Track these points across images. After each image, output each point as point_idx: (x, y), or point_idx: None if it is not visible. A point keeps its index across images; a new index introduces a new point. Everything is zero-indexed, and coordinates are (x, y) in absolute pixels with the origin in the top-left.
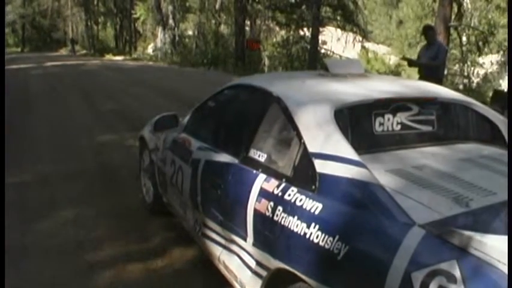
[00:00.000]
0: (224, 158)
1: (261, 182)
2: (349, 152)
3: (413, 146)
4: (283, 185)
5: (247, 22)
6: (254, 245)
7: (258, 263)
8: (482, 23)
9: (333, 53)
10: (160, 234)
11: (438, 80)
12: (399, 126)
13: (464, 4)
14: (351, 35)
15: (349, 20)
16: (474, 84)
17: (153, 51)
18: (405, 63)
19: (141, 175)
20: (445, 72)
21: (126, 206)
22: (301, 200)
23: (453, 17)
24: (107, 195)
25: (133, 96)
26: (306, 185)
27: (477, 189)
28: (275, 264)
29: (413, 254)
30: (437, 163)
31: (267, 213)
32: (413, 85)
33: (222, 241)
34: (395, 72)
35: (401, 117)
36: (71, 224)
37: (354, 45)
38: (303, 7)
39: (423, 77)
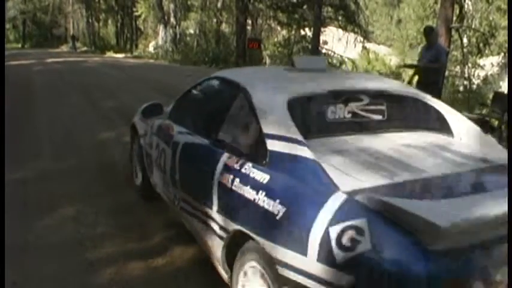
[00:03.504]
0: (198, 140)
1: (225, 159)
2: (295, 134)
3: (363, 132)
4: (241, 161)
5: (249, 21)
6: (218, 211)
7: (221, 227)
8: (483, 24)
9: (334, 53)
10: (161, 232)
11: (436, 82)
12: (350, 115)
13: (466, 5)
14: (352, 35)
15: (351, 20)
16: (474, 86)
17: (154, 49)
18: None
19: (133, 160)
20: (446, 73)
21: (126, 203)
22: (253, 173)
23: (454, 18)
24: (106, 192)
25: (134, 94)
26: (258, 160)
27: (408, 168)
28: (233, 226)
29: (333, 213)
30: (380, 146)
31: (228, 184)
32: (367, 79)
33: (195, 212)
34: (396, 73)
35: (353, 107)
36: (71, 221)
37: (355, 45)
38: (305, 7)
39: (423, 79)
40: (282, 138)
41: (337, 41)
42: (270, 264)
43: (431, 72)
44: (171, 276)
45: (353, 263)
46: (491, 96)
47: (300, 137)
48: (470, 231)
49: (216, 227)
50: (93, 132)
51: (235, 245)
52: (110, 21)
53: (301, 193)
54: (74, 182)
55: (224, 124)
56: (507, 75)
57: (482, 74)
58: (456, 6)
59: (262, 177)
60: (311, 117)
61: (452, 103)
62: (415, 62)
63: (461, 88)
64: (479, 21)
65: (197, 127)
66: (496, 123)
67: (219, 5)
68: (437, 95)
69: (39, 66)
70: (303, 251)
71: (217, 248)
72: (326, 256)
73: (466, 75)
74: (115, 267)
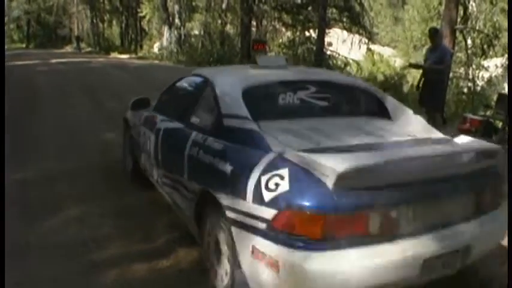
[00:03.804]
0: (175, 125)
1: (194, 137)
2: (244, 113)
3: (309, 116)
4: (205, 136)
5: (254, 22)
6: (188, 178)
7: (191, 191)
8: (487, 26)
9: (339, 54)
10: (166, 233)
11: (441, 82)
12: (299, 101)
13: (470, 7)
14: (356, 37)
15: (355, 22)
16: (479, 88)
17: (158, 50)
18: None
19: (124, 150)
20: (450, 75)
21: (131, 205)
22: (212, 144)
23: (459, 19)
24: (111, 193)
25: (138, 94)
26: (217, 134)
27: (335, 139)
28: (199, 188)
29: (265, 166)
30: (319, 125)
31: (195, 155)
32: (316, 72)
33: (172, 183)
34: (401, 74)
35: (301, 94)
36: (75, 222)
37: (360, 47)
38: (309, 8)
39: (427, 79)
40: (234, 116)
41: (342, 42)
42: (223, 212)
43: (436, 73)
44: (175, 278)
45: (275, 201)
46: (495, 97)
47: (248, 115)
48: (365, 176)
49: (186, 192)
50: (97, 133)
51: (201, 205)
52: (114, 22)
53: (245, 155)
54: (78, 183)
55: (195, 110)
56: (507, 76)
57: (486, 75)
58: (460, 8)
59: (218, 146)
60: (264, 102)
61: (456, 104)
62: (420, 62)
63: (465, 90)
64: (484, 23)
65: (175, 115)
66: (500, 124)
67: (223, 6)
68: (443, 95)
69: (43, 67)
70: (243, 197)
71: (188, 209)
72: (258, 197)
73: (470, 76)
74: (119, 268)
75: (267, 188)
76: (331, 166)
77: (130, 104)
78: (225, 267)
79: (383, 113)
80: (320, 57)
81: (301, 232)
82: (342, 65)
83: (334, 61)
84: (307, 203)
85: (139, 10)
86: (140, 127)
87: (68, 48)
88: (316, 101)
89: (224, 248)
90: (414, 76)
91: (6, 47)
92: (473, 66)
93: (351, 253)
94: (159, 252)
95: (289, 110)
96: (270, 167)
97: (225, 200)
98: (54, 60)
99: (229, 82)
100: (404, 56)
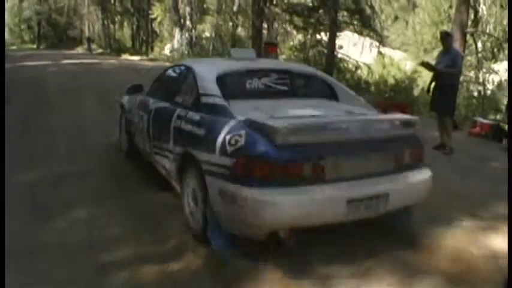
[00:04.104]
0: (163, 104)
1: (178, 112)
2: (216, 92)
3: (271, 97)
4: (186, 111)
5: (265, 25)
6: (173, 144)
7: (175, 154)
8: (497, 29)
9: (349, 57)
10: (176, 236)
11: (453, 86)
12: (263, 86)
13: (480, 10)
14: (367, 40)
15: (366, 25)
16: (489, 92)
17: (170, 51)
18: (422, 68)
19: (121, 131)
20: (461, 79)
21: (141, 207)
22: (192, 116)
23: (469, 23)
24: (120, 194)
25: None
26: (195, 108)
27: (286, 112)
28: (181, 150)
29: (229, 129)
30: (277, 104)
31: (177, 126)
32: (278, 63)
33: (161, 151)
34: (411, 77)
35: (265, 80)
36: (84, 223)
37: (371, 50)
38: (321, 11)
39: (439, 83)
40: (209, 95)
41: (353, 45)
42: (198, 167)
43: (448, 77)
44: (185, 281)
45: (235, 152)
46: (505, 101)
47: (219, 94)
48: (300, 134)
49: (172, 156)
50: (107, 135)
51: (183, 164)
52: (125, 24)
53: (215, 122)
54: (87, 184)
55: (179, 92)
56: (507, 77)
57: (496, 79)
58: (471, 11)
59: (196, 117)
60: (233, 85)
61: (467, 108)
62: (432, 62)
63: (475, 93)
64: (494, 26)
65: (164, 97)
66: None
67: (234, 8)
68: (454, 99)
69: (54, 68)
70: (213, 151)
71: (173, 169)
72: (223, 151)
73: (481, 80)
74: (128, 271)
75: (229, 144)
76: (275, 126)
77: (126, 90)
78: (200, 209)
79: (333, 95)
80: (331, 60)
81: (253, 174)
82: (353, 68)
83: (345, 64)
84: (257, 153)
85: (150, 12)
86: (135, 109)
87: (79, 49)
88: (277, 85)
89: (199, 194)
90: (425, 80)
91: (16, 47)
92: (484, 70)
93: (289, 189)
94: (169, 254)
95: (254, 92)
96: (232, 130)
97: (200, 155)
98: (65, 61)
99: (207, 70)
100: (415, 59)
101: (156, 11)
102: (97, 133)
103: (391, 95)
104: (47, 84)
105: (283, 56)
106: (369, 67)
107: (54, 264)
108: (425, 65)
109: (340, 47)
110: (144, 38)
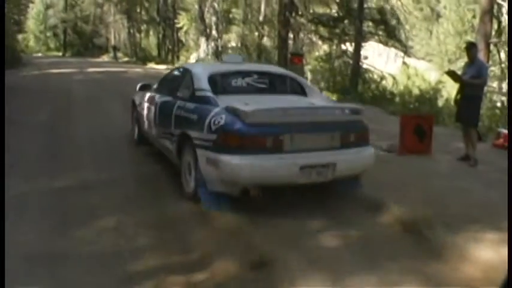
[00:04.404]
0: (167, 98)
1: (178, 103)
2: (207, 87)
3: (252, 93)
4: (184, 102)
5: (290, 35)
6: (174, 128)
7: (175, 136)
8: None
9: (374, 68)
10: (203, 246)
11: (479, 96)
12: (246, 84)
13: (503, 20)
14: (392, 50)
15: (391, 35)
16: None
17: (195, 61)
18: (447, 79)
19: (132, 123)
20: (485, 89)
21: (168, 216)
22: (188, 106)
23: (493, 33)
24: (148, 203)
25: None
26: (191, 100)
27: (260, 104)
28: (178, 131)
29: (214, 113)
30: (255, 97)
31: (177, 114)
32: (260, 66)
33: (165, 135)
34: (436, 88)
35: (247, 79)
36: (111, 232)
37: (395, 60)
38: (346, 21)
39: (464, 94)
40: (202, 90)
41: (378, 56)
42: (192, 143)
43: (473, 88)
44: None
45: (217, 129)
46: None
47: (209, 89)
48: (264, 116)
49: (173, 137)
50: (134, 144)
51: (180, 143)
52: (151, 33)
53: (205, 109)
54: (114, 193)
55: (180, 88)
56: (507, 77)
57: None
58: (494, 21)
59: (191, 106)
60: (222, 83)
61: (490, 119)
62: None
63: (498, 104)
64: None
65: (167, 92)
66: None
67: (260, 18)
68: (478, 110)
69: (79, 76)
70: (202, 130)
71: (174, 148)
72: (209, 129)
73: (504, 90)
74: (155, 280)
75: (213, 124)
76: (245, 110)
77: (137, 88)
78: (192, 175)
79: (302, 92)
80: (356, 70)
81: (229, 145)
82: (378, 79)
83: (370, 75)
84: (232, 130)
85: (176, 21)
86: (144, 103)
87: (105, 58)
88: (257, 84)
89: (192, 164)
90: (449, 91)
91: (41, 54)
92: (507, 80)
93: (255, 156)
94: (195, 264)
95: (238, 88)
96: (216, 114)
97: (193, 134)
98: (91, 69)
99: (201, 71)
100: (439, 69)
101: (182, 20)
102: (124, 140)
103: (416, 106)
104: (73, 92)
105: (309, 67)
106: (393, 78)
107: (81, 273)
108: (452, 74)
109: (365, 58)
110: (170, 47)
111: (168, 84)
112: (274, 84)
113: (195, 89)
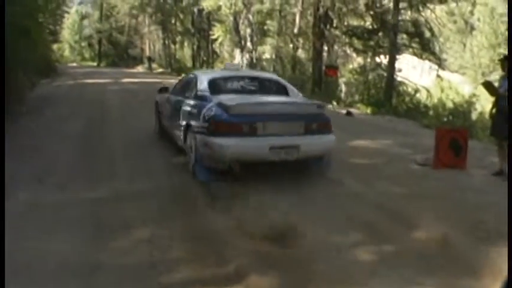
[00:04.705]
0: (178, 98)
1: (186, 101)
2: (206, 89)
3: (244, 93)
4: (190, 100)
5: (325, 47)
6: (181, 121)
7: (182, 126)
8: None
9: (409, 80)
10: (237, 259)
11: None
12: (240, 86)
13: None
14: (426, 63)
15: (426, 48)
16: None
17: None
18: (480, 92)
19: (156, 119)
20: None
21: (202, 229)
22: (192, 102)
23: None
24: (182, 215)
25: None
26: (194, 98)
27: (246, 101)
28: (184, 122)
29: (208, 107)
30: (245, 97)
31: (185, 109)
32: (251, 72)
33: (176, 126)
34: (469, 101)
35: (241, 82)
36: (145, 243)
37: (430, 73)
38: (380, 34)
39: (499, 107)
40: (202, 91)
41: (412, 68)
42: (193, 130)
43: (509, 101)
44: None
45: (209, 118)
46: None
47: (207, 89)
48: (243, 109)
49: (180, 127)
50: (168, 155)
51: (185, 131)
52: (186, 44)
53: (202, 104)
54: (148, 204)
55: (188, 90)
56: (508, 80)
57: None
58: None
59: (194, 102)
60: (220, 86)
61: None
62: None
63: None
64: None
65: (179, 93)
66: None
67: (295, 30)
68: None
69: (114, 86)
70: (199, 120)
71: (181, 135)
72: (203, 119)
73: None
74: None
75: (207, 114)
76: (228, 104)
77: (157, 91)
78: (193, 153)
79: (285, 93)
80: (390, 83)
81: (218, 130)
82: (412, 92)
83: (405, 87)
84: (220, 119)
85: (211, 32)
86: (163, 103)
87: (139, 68)
88: (248, 86)
89: (193, 145)
90: (483, 104)
91: (76, 64)
92: (508, 81)
93: (236, 139)
94: (230, 277)
95: (232, 90)
96: (209, 107)
97: (193, 123)
98: (125, 80)
99: (204, 76)
100: (472, 82)
101: (217, 32)
102: (157, 152)
103: (450, 119)
104: (108, 102)
105: (343, 79)
106: (428, 91)
107: (115, 284)
108: (488, 85)
109: (400, 70)
110: (205, 58)
111: (180, 86)
112: (262, 86)
113: (197, 90)
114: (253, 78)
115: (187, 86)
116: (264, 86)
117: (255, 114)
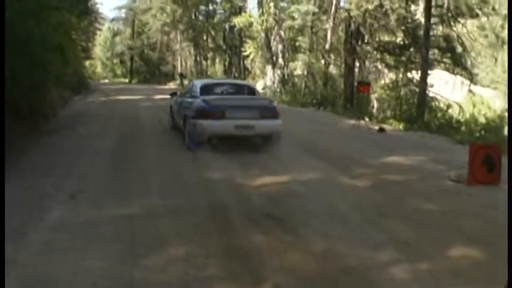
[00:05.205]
0: (184, 99)
1: (186, 100)
2: (198, 91)
3: (226, 95)
4: (188, 99)
5: (356, 63)
6: (183, 113)
7: (182, 116)
8: None
9: (441, 96)
10: (272, 279)
11: None
12: (222, 90)
13: None
14: (458, 78)
15: (457, 63)
16: None
17: (262, 89)
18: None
19: (169, 117)
20: None
21: (237, 247)
22: (191, 100)
23: None
24: (217, 233)
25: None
26: (190, 97)
27: (223, 100)
28: (183, 114)
29: (197, 102)
30: (225, 97)
31: (184, 105)
32: (232, 80)
33: (180, 118)
34: (501, 116)
35: (223, 87)
36: (179, 260)
37: (462, 88)
38: (412, 49)
39: None
40: (196, 92)
41: (444, 83)
42: (188, 117)
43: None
44: None
45: (197, 108)
46: None
47: (199, 91)
48: (217, 102)
49: (182, 118)
50: (202, 172)
51: (184, 120)
52: (217, 60)
53: (194, 101)
54: (182, 221)
55: (188, 92)
56: (507, 82)
57: None
58: None
59: (190, 99)
60: (209, 90)
61: None
62: None
63: None
64: None
65: (183, 95)
66: None
67: (327, 46)
68: None
69: (146, 102)
70: (191, 110)
71: (181, 123)
72: (194, 109)
73: None
74: None
75: (195, 106)
76: (208, 100)
77: (169, 94)
78: (187, 133)
79: (253, 94)
80: (422, 99)
81: (201, 115)
82: (444, 107)
83: (437, 103)
84: (203, 108)
85: (242, 49)
86: (174, 103)
87: (171, 85)
88: (228, 89)
89: (187, 127)
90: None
91: (108, 80)
92: (508, 82)
93: (213, 121)
94: None
95: (217, 92)
96: (198, 102)
97: (188, 113)
98: (157, 96)
99: (198, 83)
100: (504, 97)
101: (249, 49)
102: (191, 169)
103: (482, 135)
104: (140, 119)
105: (375, 95)
106: (460, 106)
107: None
108: None
109: (432, 86)
110: (236, 74)
111: (184, 90)
112: (237, 90)
113: (192, 92)
114: (232, 85)
115: (187, 90)
116: (239, 89)
117: (225, 105)
